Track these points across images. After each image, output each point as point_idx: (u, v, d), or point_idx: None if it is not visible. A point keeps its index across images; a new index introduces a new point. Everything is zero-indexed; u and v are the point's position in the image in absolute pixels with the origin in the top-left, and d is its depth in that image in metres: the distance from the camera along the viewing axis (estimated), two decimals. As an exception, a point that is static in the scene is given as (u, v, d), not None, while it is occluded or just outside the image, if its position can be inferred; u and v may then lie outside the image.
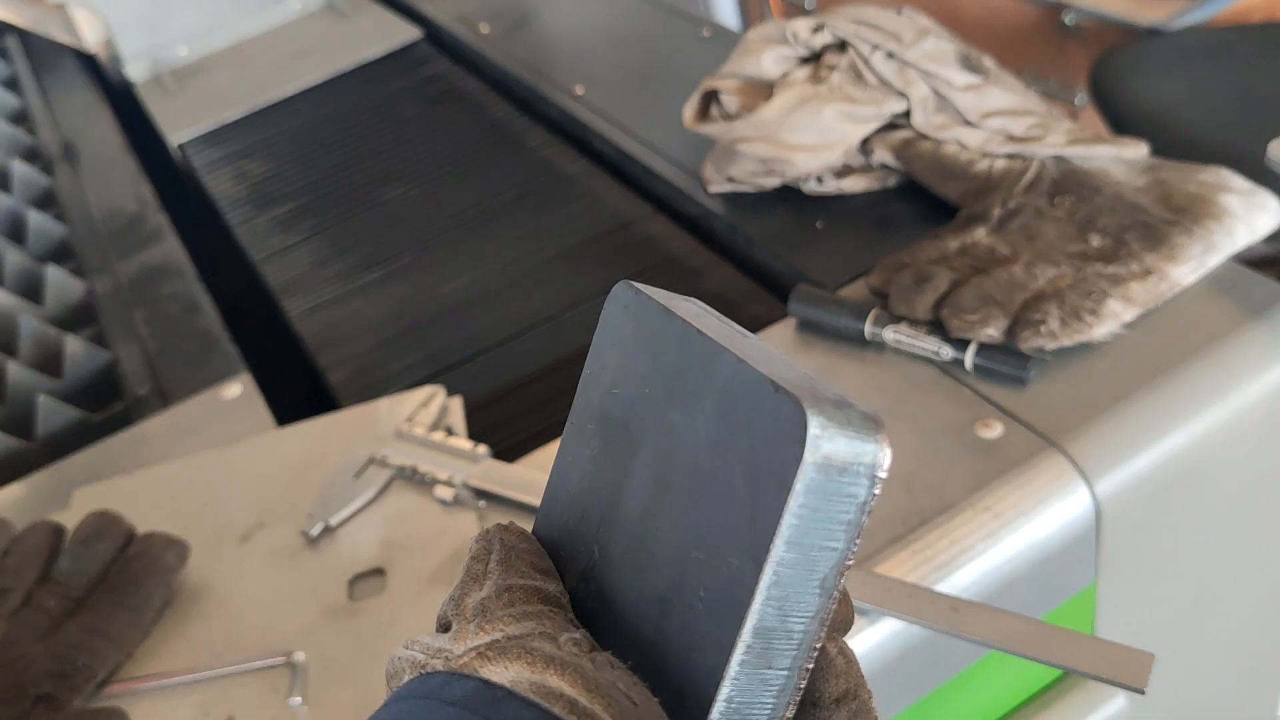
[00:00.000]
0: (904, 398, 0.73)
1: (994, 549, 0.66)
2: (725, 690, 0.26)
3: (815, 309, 0.78)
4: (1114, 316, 0.72)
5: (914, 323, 0.75)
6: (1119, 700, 0.73)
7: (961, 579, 0.65)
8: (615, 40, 1.22)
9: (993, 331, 0.72)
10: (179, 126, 1.27)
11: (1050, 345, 0.71)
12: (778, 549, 0.25)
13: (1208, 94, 1.42)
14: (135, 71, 1.37)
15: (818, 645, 0.27)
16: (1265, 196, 0.77)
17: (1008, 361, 0.71)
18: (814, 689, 0.30)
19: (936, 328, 0.74)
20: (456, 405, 0.80)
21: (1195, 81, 1.47)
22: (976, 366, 0.72)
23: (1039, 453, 0.68)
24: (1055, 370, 0.72)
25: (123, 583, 0.71)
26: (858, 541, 0.26)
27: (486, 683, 0.26)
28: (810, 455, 0.25)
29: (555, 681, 0.27)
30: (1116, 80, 1.52)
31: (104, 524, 0.74)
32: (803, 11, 2.39)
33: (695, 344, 0.28)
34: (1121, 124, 1.46)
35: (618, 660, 0.29)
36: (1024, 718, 0.72)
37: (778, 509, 0.25)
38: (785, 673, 0.27)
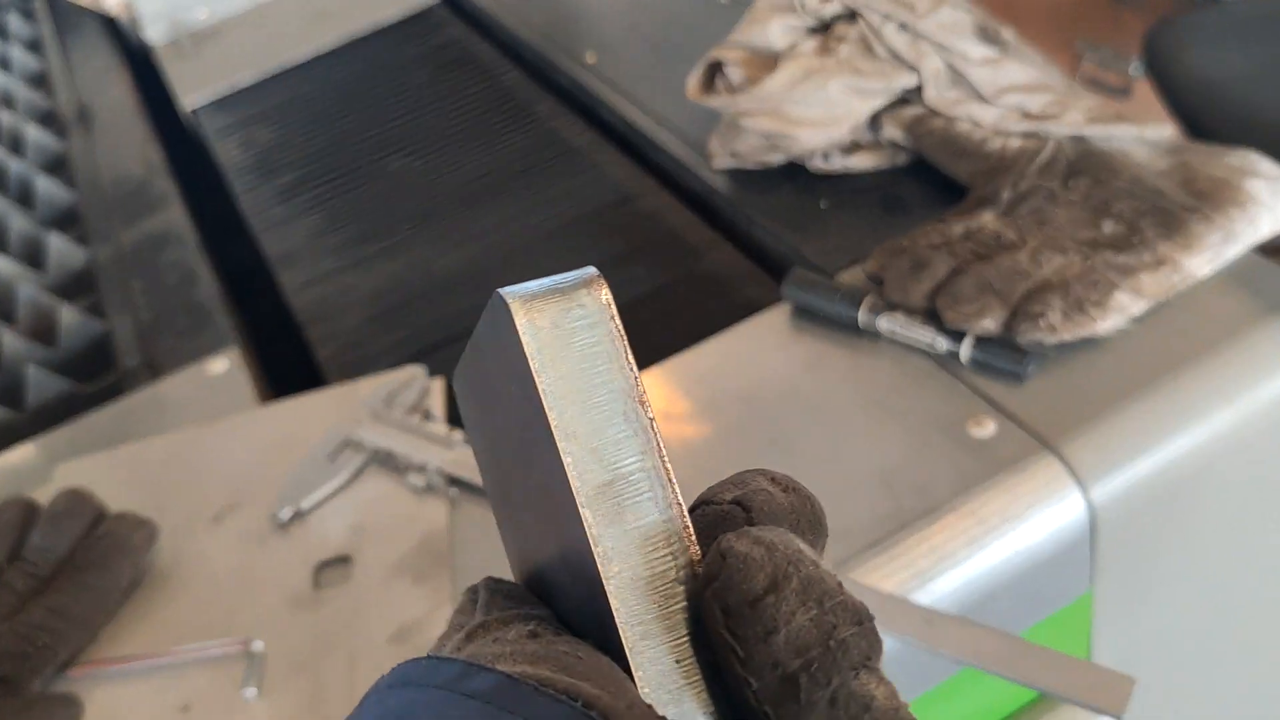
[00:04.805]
0: (894, 390, 0.69)
1: (978, 556, 0.62)
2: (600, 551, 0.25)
3: (809, 294, 0.74)
4: (1121, 310, 0.68)
5: (910, 312, 0.71)
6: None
7: (942, 587, 0.62)
8: (632, 6, 1.18)
9: (989, 323, 0.68)
10: (193, 91, 1.25)
11: (1050, 339, 0.67)
12: (553, 414, 0.25)
13: (1268, 66, 1.35)
14: (154, 34, 1.35)
15: (673, 485, 0.26)
16: (1296, 182, 0.72)
17: (1005, 356, 0.67)
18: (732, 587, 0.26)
19: (933, 317, 0.70)
20: (436, 387, 0.77)
21: (1255, 53, 1.40)
22: (972, 360, 0.68)
23: (1032, 454, 0.64)
24: (1056, 366, 0.68)
25: (89, 563, 0.70)
26: (633, 367, 0.26)
27: (510, 677, 0.24)
28: (520, 318, 0.26)
29: (545, 674, 0.25)
30: (1173, 51, 1.45)
31: (74, 502, 0.73)
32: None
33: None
34: (1177, 97, 1.39)
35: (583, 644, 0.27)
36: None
37: (532, 384, 0.25)
38: (651, 519, 0.26)
